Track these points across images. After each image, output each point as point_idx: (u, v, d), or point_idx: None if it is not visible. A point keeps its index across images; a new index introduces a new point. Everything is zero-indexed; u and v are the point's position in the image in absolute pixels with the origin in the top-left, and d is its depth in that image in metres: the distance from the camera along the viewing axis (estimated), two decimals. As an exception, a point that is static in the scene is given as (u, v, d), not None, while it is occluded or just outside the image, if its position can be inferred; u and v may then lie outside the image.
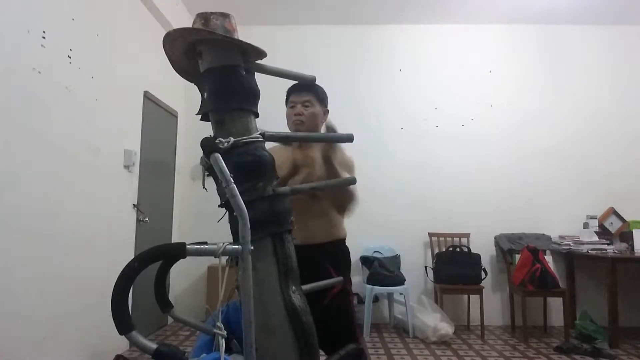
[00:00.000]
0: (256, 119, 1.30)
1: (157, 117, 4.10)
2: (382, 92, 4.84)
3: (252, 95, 1.27)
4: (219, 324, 1.05)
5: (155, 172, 4.09)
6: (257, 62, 1.34)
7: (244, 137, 1.17)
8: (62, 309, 2.62)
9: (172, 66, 1.34)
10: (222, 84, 1.20)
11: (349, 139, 1.37)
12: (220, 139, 1.13)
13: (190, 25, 1.23)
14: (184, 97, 4.68)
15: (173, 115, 4.50)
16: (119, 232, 3.37)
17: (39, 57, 2.43)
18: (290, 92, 1.93)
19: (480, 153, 4.70)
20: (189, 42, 1.24)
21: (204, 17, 1.20)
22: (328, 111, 1.97)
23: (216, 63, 1.21)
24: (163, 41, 1.24)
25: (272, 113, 2.05)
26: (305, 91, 1.88)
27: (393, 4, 4.49)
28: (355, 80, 4.79)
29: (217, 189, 1.18)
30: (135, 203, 3.62)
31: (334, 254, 1.84)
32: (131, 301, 3.38)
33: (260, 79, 1.33)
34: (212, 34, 1.17)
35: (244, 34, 1.30)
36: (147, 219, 3.71)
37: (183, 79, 1.41)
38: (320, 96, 1.92)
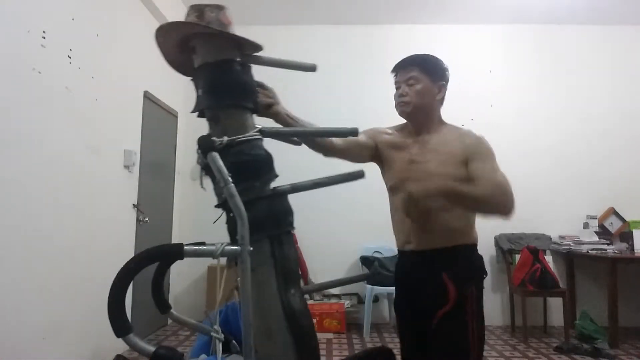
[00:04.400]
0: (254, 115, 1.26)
1: (157, 117, 4.10)
2: (383, 92, 4.77)
3: (248, 90, 1.22)
4: (217, 326, 1.04)
5: (155, 172, 4.09)
6: (253, 54, 1.29)
7: (239, 136, 1.14)
8: (62, 309, 2.62)
9: (165, 60, 1.30)
10: (216, 80, 1.16)
11: (353, 132, 1.26)
12: (214, 137, 1.10)
13: (184, 18, 1.20)
14: (184, 97, 4.68)
15: (173, 115, 4.50)
16: (119, 232, 3.37)
17: (39, 57, 2.43)
18: (393, 71, 1.63)
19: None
20: (182, 36, 1.20)
21: (197, 10, 1.15)
22: (444, 85, 1.59)
23: (210, 58, 1.17)
24: (155, 34, 1.20)
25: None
26: (410, 66, 1.57)
27: (393, 4, 4.48)
28: (355, 80, 4.78)
29: (214, 188, 1.16)
30: (135, 203, 3.62)
31: (454, 262, 1.50)
32: (131, 301, 3.38)
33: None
34: (207, 28, 1.14)
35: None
36: (147, 219, 3.71)
37: (183, 78, 1.39)
38: (430, 68, 1.57)
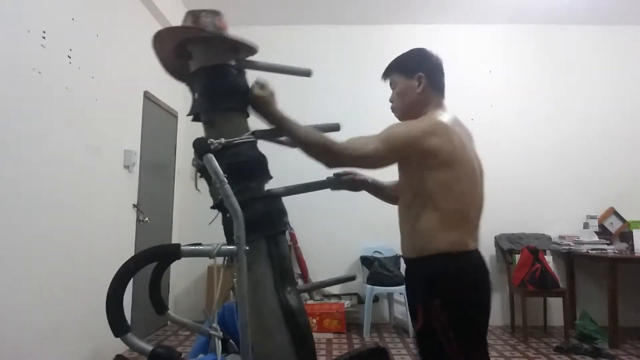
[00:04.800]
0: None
1: (157, 117, 4.10)
2: (383, 92, 4.79)
3: (243, 94, 1.23)
4: (215, 325, 1.05)
5: (155, 172, 4.09)
6: (249, 59, 1.31)
7: (236, 139, 1.16)
8: (62, 309, 2.62)
9: (162, 65, 1.32)
10: (211, 84, 1.19)
11: (334, 128, 1.29)
12: (211, 140, 1.12)
13: (181, 24, 1.22)
14: (184, 97, 4.67)
15: (173, 115, 4.50)
16: (119, 232, 3.37)
17: (39, 57, 2.44)
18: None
19: (480, 153, 4.67)
20: (179, 41, 1.22)
21: (194, 15, 1.18)
22: (422, 77, 1.50)
23: (206, 62, 1.20)
24: (152, 41, 1.22)
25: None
26: (389, 72, 1.59)
27: (393, 4, 4.48)
28: (355, 81, 4.78)
29: (209, 190, 1.17)
30: (135, 203, 3.62)
31: (418, 276, 1.38)
32: (131, 301, 3.39)
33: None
34: (202, 32, 1.16)
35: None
36: (147, 219, 3.71)
37: (182, 78, 1.40)
38: (402, 66, 1.56)
